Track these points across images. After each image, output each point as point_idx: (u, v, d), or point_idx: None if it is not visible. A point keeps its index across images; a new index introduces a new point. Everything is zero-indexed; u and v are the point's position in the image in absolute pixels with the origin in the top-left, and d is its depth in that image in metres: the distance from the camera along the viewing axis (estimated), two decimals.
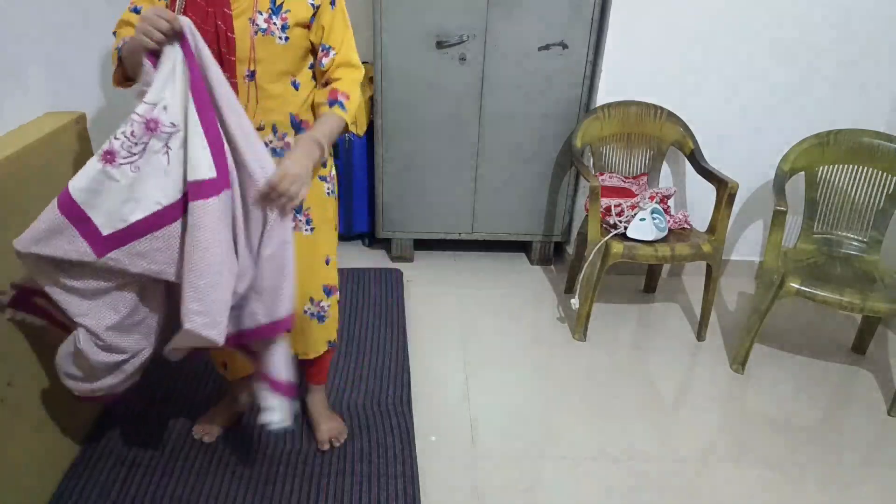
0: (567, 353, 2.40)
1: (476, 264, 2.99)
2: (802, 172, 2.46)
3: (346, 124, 1.48)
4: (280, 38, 1.40)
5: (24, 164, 1.53)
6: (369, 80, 2.82)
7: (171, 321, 1.44)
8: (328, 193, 1.62)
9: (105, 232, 1.27)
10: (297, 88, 1.49)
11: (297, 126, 1.52)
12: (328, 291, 1.70)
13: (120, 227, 1.26)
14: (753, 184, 2.78)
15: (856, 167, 2.42)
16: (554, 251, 3.02)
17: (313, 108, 1.54)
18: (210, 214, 1.27)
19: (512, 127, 2.70)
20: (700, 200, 2.74)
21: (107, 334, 1.36)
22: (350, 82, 1.50)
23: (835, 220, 2.48)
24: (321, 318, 1.72)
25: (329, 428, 1.87)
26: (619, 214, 2.40)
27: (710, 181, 2.43)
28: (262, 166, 1.34)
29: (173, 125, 1.26)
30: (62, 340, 1.43)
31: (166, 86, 1.25)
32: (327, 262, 1.68)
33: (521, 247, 3.14)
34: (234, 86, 1.38)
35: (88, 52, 2.07)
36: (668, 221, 2.41)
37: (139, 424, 1.89)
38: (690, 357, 2.43)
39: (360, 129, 2.75)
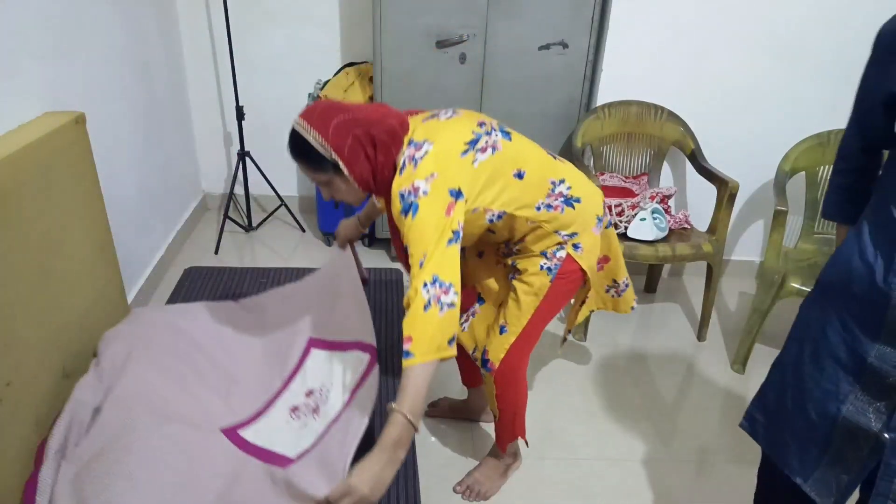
0: (567, 353, 2.40)
1: None
2: (803, 172, 2.46)
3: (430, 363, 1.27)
4: None
5: (23, 164, 1.53)
6: (369, 79, 2.83)
7: None
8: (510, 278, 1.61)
9: None
10: (480, 258, 1.62)
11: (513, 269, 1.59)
12: (485, 363, 1.64)
13: None
14: (754, 184, 2.78)
15: None
16: None
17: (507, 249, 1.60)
18: None
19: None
20: (700, 200, 2.74)
21: None
22: (411, 314, 1.29)
23: None
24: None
25: (474, 478, 1.82)
26: (619, 214, 2.40)
27: (711, 181, 2.43)
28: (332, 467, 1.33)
29: None
30: None
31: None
32: (501, 332, 1.60)
33: None
34: None
35: (88, 51, 2.07)
36: (669, 221, 2.41)
37: None
38: (690, 357, 2.43)
39: None
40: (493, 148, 1.43)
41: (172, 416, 1.51)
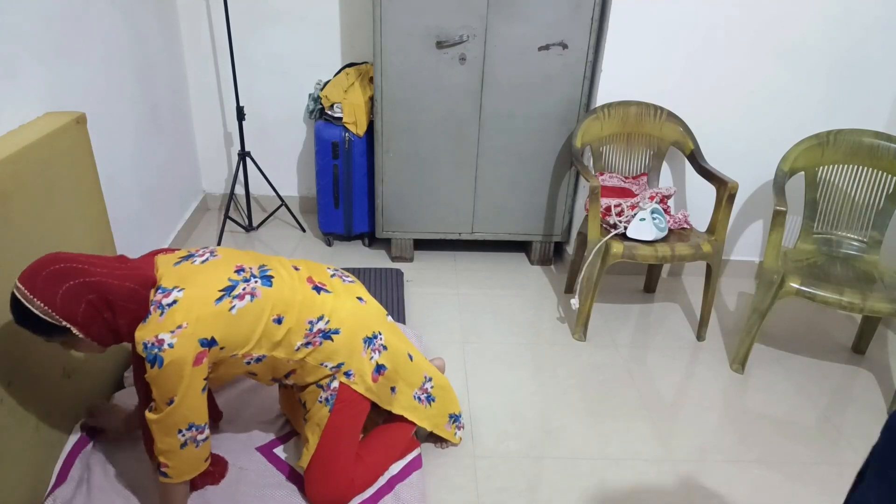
0: (567, 353, 2.40)
1: (476, 264, 2.99)
2: (802, 172, 2.46)
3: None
4: None
5: (24, 163, 1.53)
6: (369, 79, 2.83)
7: None
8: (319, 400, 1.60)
9: None
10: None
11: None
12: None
13: None
14: (753, 184, 2.78)
15: (856, 167, 2.42)
16: (554, 251, 3.02)
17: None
18: None
19: (512, 127, 2.70)
20: (700, 200, 2.74)
21: None
22: (166, 449, 1.42)
23: (835, 220, 2.48)
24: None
25: None
26: (619, 214, 2.40)
27: (710, 181, 2.44)
28: None
29: None
30: None
31: None
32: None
33: (521, 247, 3.14)
34: None
35: (89, 51, 2.07)
36: (668, 221, 2.41)
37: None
38: (690, 357, 2.43)
39: (360, 129, 2.76)
40: (252, 295, 1.43)
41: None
